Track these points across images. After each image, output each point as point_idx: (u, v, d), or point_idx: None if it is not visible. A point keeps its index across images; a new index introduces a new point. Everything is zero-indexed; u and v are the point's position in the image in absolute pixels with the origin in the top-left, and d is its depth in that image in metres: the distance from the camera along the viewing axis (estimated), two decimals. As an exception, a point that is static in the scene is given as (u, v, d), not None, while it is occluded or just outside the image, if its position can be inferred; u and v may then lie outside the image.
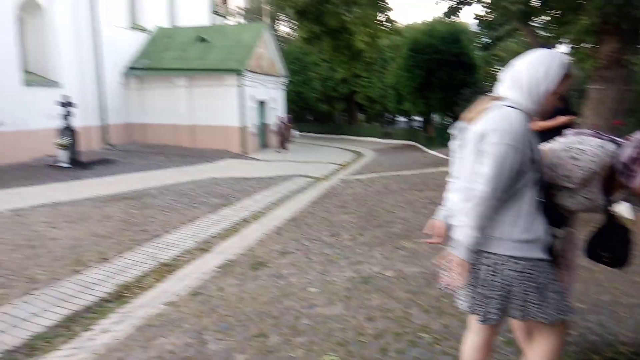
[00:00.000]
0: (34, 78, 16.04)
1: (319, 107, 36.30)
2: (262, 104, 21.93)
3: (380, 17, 15.41)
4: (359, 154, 21.42)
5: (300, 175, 13.37)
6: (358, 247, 5.75)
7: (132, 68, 20.40)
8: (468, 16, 29.11)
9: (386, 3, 14.98)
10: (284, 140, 21.98)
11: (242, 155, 18.98)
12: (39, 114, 15.34)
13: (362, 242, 5.94)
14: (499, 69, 17.23)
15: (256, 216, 8.02)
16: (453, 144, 2.14)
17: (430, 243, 2.19)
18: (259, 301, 4.13)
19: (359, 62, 17.77)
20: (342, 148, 24.57)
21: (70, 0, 17.21)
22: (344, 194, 9.99)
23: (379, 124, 38.25)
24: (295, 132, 25.97)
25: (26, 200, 9.34)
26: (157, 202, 9.11)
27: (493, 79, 10.01)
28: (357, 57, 16.74)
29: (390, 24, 15.82)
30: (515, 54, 5.67)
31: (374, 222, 7.04)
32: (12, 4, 14.77)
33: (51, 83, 16.47)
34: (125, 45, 20.17)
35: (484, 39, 19.84)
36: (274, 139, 22.59)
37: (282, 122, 22.30)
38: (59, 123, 14.50)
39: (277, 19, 24.03)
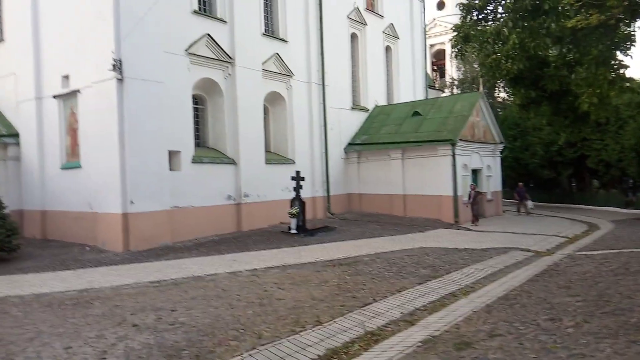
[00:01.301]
0: (274, 157, 18.96)
1: (541, 174, 33.48)
2: (476, 172, 21.41)
3: (611, 75, 13.83)
4: (591, 226, 18.82)
5: (518, 249, 12.42)
6: (582, 336, 5.03)
7: (352, 144, 22.42)
8: None
9: (618, 60, 13.46)
10: (476, 212, 19.40)
11: (454, 225, 18.59)
12: (276, 187, 17.93)
13: (587, 331, 5.18)
14: None
15: (465, 291, 7.72)
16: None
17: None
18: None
19: (586, 125, 16.07)
20: (570, 218, 21.98)
21: (304, 89, 20.19)
22: (569, 272, 8.90)
23: (617, 191, 33.16)
24: (529, 202, 24.47)
25: (262, 262, 10.85)
26: (369, 270, 9.56)
27: None
28: (584, 120, 15.18)
29: (623, 82, 14.04)
30: None
31: (605, 308, 6.08)
32: (261, 98, 18.03)
33: (287, 161, 19.21)
34: (347, 124, 22.43)
35: None
36: (489, 208, 21.60)
37: (474, 190, 19.78)
38: (291, 194, 16.70)
39: (495, 86, 23.65)
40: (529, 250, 12.14)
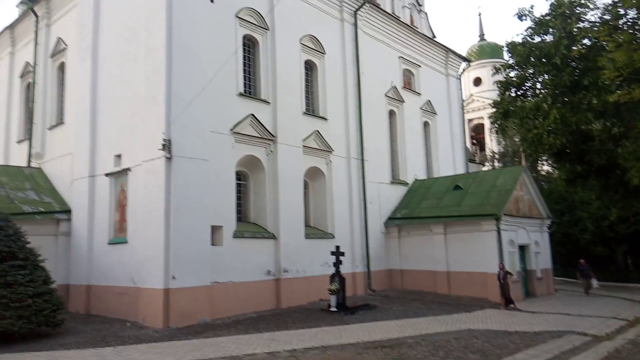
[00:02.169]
0: (314, 231, 18.95)
1: (593, 250, 31.78)
2: (523, 248, 20.59)
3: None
4: (654, 308, 17.43)
5: (574, 332, 11.57)
6: None
7: (392, 218, 22.21)
8: None
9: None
10: (507, 294, 17.22)
11: (503, 305, 17.61)
12: (315, 262, 17.76)
13: None
14: None
15: (519, 380, 7.16)
16: None
17: None
18: None
19: (638, 199, 15.42)
20: (628, 299, 20.49)
21: (344, 164, 20.51)
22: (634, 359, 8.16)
23: (680, 269, 30.92)
24: (594, 281, 22.62)
25: (302, 342, 10.51)
26: (413, 353, 9.07)
27: None
28: (636, 194, 14.60)
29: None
30: None
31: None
32: (301, 173, 18.38)
33: (327, 235, 19.15)
34: (386, 198, 22.38)
35: None
36: (539, 287, 20.49)
37: (503, 269, 17.58)
38: (331, 270, 16.45)
39: (538, 159, 23.29)
40: (586, 334, 11.29)
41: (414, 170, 24.49)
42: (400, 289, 20.93)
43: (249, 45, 17.74)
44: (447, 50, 28.20)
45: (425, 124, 26.32)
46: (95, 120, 16.94)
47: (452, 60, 28.60)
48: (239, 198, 16.73)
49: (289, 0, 17.75)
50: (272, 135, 17.26)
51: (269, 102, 17.51)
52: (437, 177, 24.69)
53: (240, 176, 17.13)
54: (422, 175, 24.86)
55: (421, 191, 23.01)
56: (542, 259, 21.64)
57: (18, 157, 20.90)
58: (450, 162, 27.10)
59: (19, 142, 21.38)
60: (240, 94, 16.66)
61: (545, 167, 31.59)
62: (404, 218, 21.88)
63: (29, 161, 19.86)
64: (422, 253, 20.81)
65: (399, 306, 16.87)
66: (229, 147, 15.95)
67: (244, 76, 17.18)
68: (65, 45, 19.33)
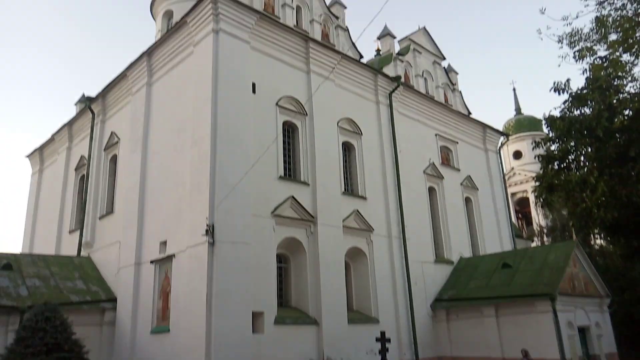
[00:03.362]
0: (357, 316, 18.25)
1: (663, 330, 29.09)
2: (583, 331, 19.05)
3: None
4: None
5: None
6: None
7: (439, 299, 21.23)
8: None
9: None
10: None
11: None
12: (360, 350, 16.93)
13: None
14: None
15: None
16: None
17: None
18: None
19: None
20: None
21: (385, 244, 20.10)
22: None
23: None
24: None
25: None
26: None
27: None
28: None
29: None
30: None
31: None
32: (342, 254, 18.10)
33: (371, 320, 18.37)
34: (431, 278, 21.54)
35: None
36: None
37: (527, 356, 16.84)
38: (376, 358, 15.57)
39: (590, 233, 22.10)
40: None
41: (458, 248, 23.73)
42: (452, 377, 19.51)
43: (289, 130, 18.40)
44: (484, 125, 28.30)
45: (467, 200, 25.85)
46: (143, 209, 17.57)
47: (489, 135, 28.60)
48: (279, 282, 16.52)
49: (325, 87, 18.51)
50: (312, 217, 17.31)
51: (308, 184, 17.77)
52: (483, 255, 23.79)
53: (281, 259, 17.05)
54: (467, 253, 24.01)
55: (468, 270, 22.11)
56: (605, 342, 19.92)
57: (69, 247, 21.65)
58: (496, 239, 26.17)
59: (71, 232, 22.27)
60: (281, 177, 17.02)
61: (598, 241, 30.00)
62: (451, 300, 20.86)
63: (79, 250, 20.55)
64: (473, 337, 19.51)
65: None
66: (270, 230, 16.06)
67: (284, 159, 17.65)
68: (118, 138, 20.62)
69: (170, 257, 15.73)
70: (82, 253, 20.38)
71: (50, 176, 26.06)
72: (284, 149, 17.86)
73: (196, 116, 16.04)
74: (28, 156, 28.28)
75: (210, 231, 14.13)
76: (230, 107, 15.71)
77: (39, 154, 27.35)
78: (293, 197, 16.96)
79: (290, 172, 17.91)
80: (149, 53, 19.01)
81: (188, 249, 14.81)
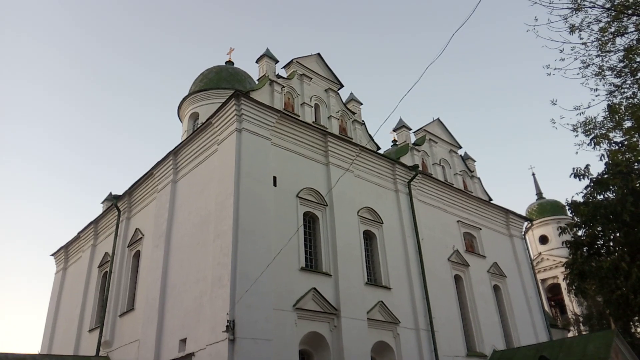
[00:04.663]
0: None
1: None
2: None
3: None
4: None
5: None
6: None
7: (474, 397, 19.80)
8: None
9: None
10: None
11: None
12: None
13: None
14: None
15: None
16: None
17: None
18: None
19: None
20: None
21: (413, 337, 19.17)
22: None
23: None
24: None
25: None
26: None
27: None
28: None
29: None
30: None
31: None
32: (368, 349, 17.25)
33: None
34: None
35: None
36: None
37: None
38: None
39: (629, 320, 20.80)
40: None
41: (490, 339, 22.51)
42: None
43: (309, 221, 18.52)
44: (506, 211, 28.06)
45: (496, 288, 24.96)
46: (163, 305, 17.42)
47: (512, 220, 28.24)
48: (304, 384, 15.72)
49: (345, 178, 18.87)
50: (335, 309, 16.85)
51: (330, 275, 17.51)
52: (518, 347, 22.46)
53: (303, 355, 16.35)
54: (500, 345, 22.71)
55: (502, 364, 20.80)
56: None
57: (89, 346, 21.27)
58: (530, 328, 24.83)
59: (91, 330, 21.99)
60: (302, 268, 16.87)
61: (639, 329, 28.17)
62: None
63: (98, 350, 20.12)
64: None
65: None
66: (292, 325, 15.61)
67: (305, 250, 17.58)
68: (142, 234, 20.98)
69: (189, 356, 15.25)
70: (101, 352, 19.93)
71: (73, 274, 26.31)
72: (305, 239, 17.87)
73: (219, 210, 16.37)
74: (53, 254, 28.75)
75: (230, 327, 13.80)
76: (252, 200, 16.06)
77: (64, 252, 27.83)
78: (315, 288, 16.66)
79: (311, 263, 17.77)
80: (175, 152, 19.91)
81: (208, 347, 14.40)
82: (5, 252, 68.97)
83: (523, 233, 29.04)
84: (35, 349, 34.25)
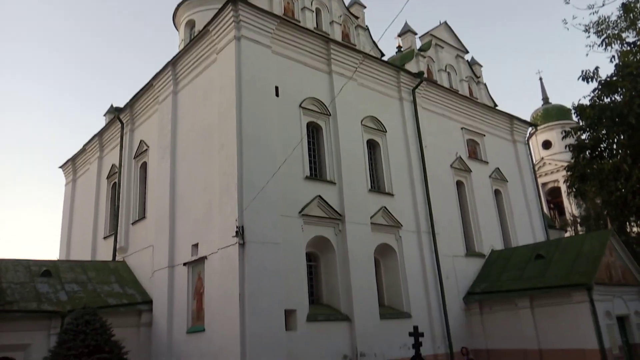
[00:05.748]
0: (388, 311, 18.24)
1: None
2: (622, 320, 18.61)
3: None
4: None
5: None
6: None
7: (471, 293, 21.03)
8: None
9: None
10: None
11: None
12: (393, 345, 16.94)
13: None
14: None
15: None
16: None
17: None
18: None
19: None
20: None
21: (414, 239, 20.01)
22: None
23: None
24: None
25: None
26: None
27: None
28: None
29: None
30: None
31: None
32: (371, 251, 18.12)
33: (402, 314, 18.36)
34: (463, 272, 21.35)
35: None
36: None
37: (465, 352, 17.57)
38: (410, 352, 15.57)
39: (626, 221, 21.49)
40: None
41: (489, 240, 23.43)
42: (489, 370, 19.28)
43: (313, 130, 18.52)
44: (511, 117, 27.86)
45: (497, 192, 25.50)
46: (174, 214, 18.00)
47: (517, 126, 28.12)
48: (310, 280, 16.66)
49: (348, 87, 18.54)
50: (340, 215, 17.41)
51: (334, 183, 17.86)
52: (516, 247, 23.44)
53: (310, 257, 17.19)
54: (499, 246, 23.69)
55: (500, 262, 21.83)
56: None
57: (105, 252, 22.37)
58: (528, 230, 25.72)
59: (106, 237, 22.99)
60: (307, 177, 17.17)
61: (635, 229, 29.14)
62: (484, 292, 20.62)
63: (114, 255, 21.20)
64: (508, 330, 19.27)
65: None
66: (299, 230, 16.22)
67: (310, 160, 17.78)
68: (147, 146, 21.15)
69: (202, 259, 16.08)
70: (117, 258, 21.02)
71: (83, 185, 26.97)
72: (309, 149, 17.99)
73: (222, 121, 16.34)
74: (61, 167, 29.29)
75: (240, 232, 14.39)
76: (254, 111, 15.96)
77: (72, 165, 28.33)
78: (320, 196, 17.09)
79: (316, 172, 18.04)
80: (173, 62, 19.46)
81: (219, 250, 15.11)
82: (16, 164, 70.23)
83: (527, 138, 29.06)
84: (54, 255, 36.04)
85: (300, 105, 17.79)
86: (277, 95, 16.99)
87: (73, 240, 26.49)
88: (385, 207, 19.28)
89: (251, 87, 16.16)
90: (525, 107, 79.80)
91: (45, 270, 17.31)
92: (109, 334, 13.02)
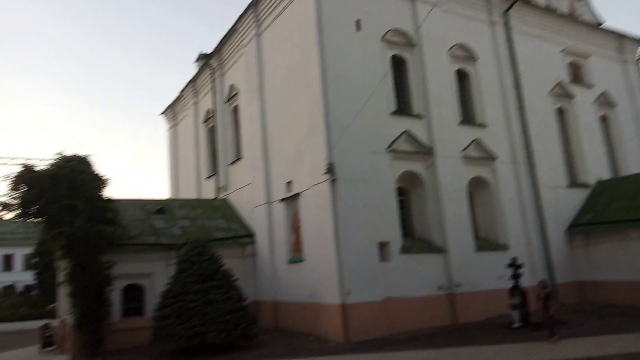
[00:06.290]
0: (484, 243, 17.97)
1: None
2: None
3: None
4: None
5: None
6: None
7: (575, 224, 20.00)
8: None
9: None
10: (547, 319, 12.63)
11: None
12: (490, 276, 16.75)
13: None
14: None
15: None
16: None
17: None
18: None
19: None
20: None
21: (510, 171, 19.17)
22: None
23: None
24: None
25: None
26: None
27: None
28: None
29: None
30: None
31: None
32: (464, 184, 17.72)
33: (500, 247, 18.01)
34: (565, 203, 20.24)
35: None
36: None
37: (545, 288, 12.96)
38: (507, 284, 15.37)
39: None
40: None
41: (595, 170, 21.77)
42: (594, 302, 18.53)
43: (398, 64, 17.95)
44: (619, 35, 24.95)
45: (603, 118, 23.45)
46: (267, 153, 18.79)
47: (627, 45, 25.20)
48: (402, 214, 16.72)
49: (433, 14, 17.43)
50: (429, 149, 17.07)
51: (422, 117, 17.41)
52: (626, 176, 21.61)
53: (401, 192, 17.20)
54: (606, 176, 22.02)
55: (607, 193, 20.35)
56: None
57: (208, 191, 24.19)
58: (639, 158, 23.56)
59: (207, 178, 24.74)
60: (393, 112, 16.88)
61: None
62: (590, 224, 19.51)
63: (217, 193, 22.80)
64: (616, 261, 18.22)
65: (594, 321, 14.99)
66: (387, 166, 16.17)
67: (395, 94, 17.39)
68: (237, 90, 21.93)
69: (296, 196, 16.76)
70: (220, 196, 22.59)
71: (183, 130, 28.90)
72: (394, 83, 17.54)
73: (305, 60, 16.37)
74: (162, 113, 31.43)
75: (330, 170, 14.70)
76: (336, 47, 15.75)
77: (171, 111, 30.33)
78: (407, 131, 16.79)
79: (402, 106, 17.61)
80: (254, 3, 19.56)
81: (312, 187, 15.64)
82: (131, 110, 76.64)
83: (638, 57, 26.01)
84: (165, 194, 39.76)
85: (382, 38, 17.24)
86: (358, 29, 16.55)
87: (180, 181, 28.89)
88: (477, 139, 18.56)
89: (332, 22, 15.87)
90: (636, 23, 70.74)
91: (159, 208, 19.22)
92: (219, 263, 14.26)
